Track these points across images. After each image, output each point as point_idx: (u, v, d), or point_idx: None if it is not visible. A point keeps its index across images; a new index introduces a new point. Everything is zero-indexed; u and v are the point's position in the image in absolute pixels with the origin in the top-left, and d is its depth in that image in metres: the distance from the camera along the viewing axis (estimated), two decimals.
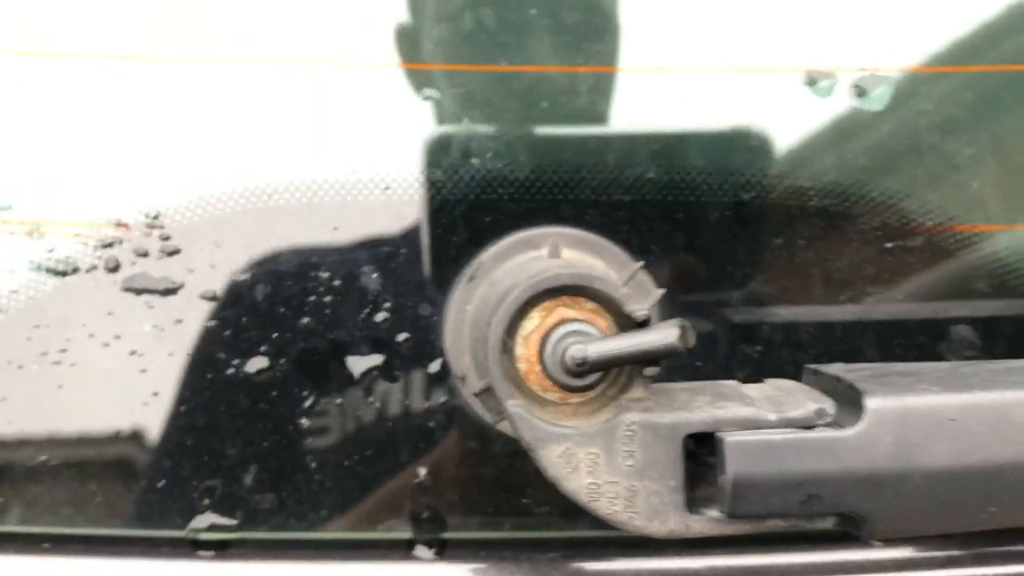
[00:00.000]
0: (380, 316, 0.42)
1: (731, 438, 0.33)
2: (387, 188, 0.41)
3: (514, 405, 0.35)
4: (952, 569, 0.45)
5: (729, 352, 0.42)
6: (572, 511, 0.42)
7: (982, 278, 0.43)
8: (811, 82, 0.43)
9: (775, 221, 0.42)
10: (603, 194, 0.41)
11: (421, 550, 0.43)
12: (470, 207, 0.41)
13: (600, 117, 0.43)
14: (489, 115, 0.41)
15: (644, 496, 0.34)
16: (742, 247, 0.42)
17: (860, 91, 0.43)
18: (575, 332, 0.34)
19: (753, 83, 0.42)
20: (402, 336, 0.42)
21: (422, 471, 0.43)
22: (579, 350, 0.33)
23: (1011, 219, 0.43)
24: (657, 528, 0.34)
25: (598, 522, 0.42)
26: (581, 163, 0.42)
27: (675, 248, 0.42)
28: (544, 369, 0.35)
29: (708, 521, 0.34)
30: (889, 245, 0.43)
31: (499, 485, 0.43)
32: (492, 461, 0.43)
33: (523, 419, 0.35)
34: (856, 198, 0.43)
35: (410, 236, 0.42)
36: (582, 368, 0.33)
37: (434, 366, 0.42)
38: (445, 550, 0.44)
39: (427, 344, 0.42)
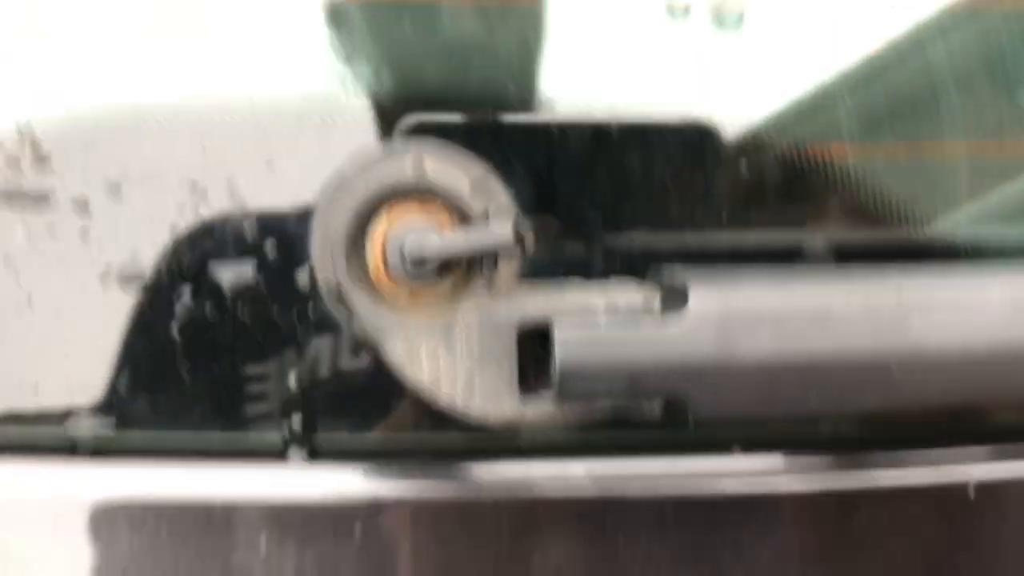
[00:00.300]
0: (248, 224, 0.43)
1: (561, 330, 0.35)
2: (256, 105, 0.42)
3: (361, 301, 0.36)
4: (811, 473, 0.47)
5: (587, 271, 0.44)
6: (437, 419, 0.44)
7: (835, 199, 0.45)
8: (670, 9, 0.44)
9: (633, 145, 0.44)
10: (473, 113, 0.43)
11: (294, 454, 0.45)
12: (340, 121, 0.43)
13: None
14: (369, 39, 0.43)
15: (481, 385, 0.36)
16: (602, 171, 0.44)
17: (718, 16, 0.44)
18: (418, 231, 0.36)
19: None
20: (270, 244, 0.43)
21: (293, 377, 0.44)
22: (417, 247, 0.35)
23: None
24: (493, 413, 0.36)
25: (462, 429, 0.44)
26: (446, 82, 0.43)
27: (540, 170, 0.44)
28: (387, 267, 0.36)
29: (542, 407, 0.36)
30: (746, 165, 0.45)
31: (367, 391, 0.45)
32: (361, 368, 0.45)
33: (369, 313, 0.36)
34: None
35: (280, 148, 0.43)
36: (420, 264, 0.35)
37: (302, 275, 0.43)
38: (317, 455, 0.45)
39: (295, 253, 0.43)
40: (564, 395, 0.35)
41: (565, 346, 0.35)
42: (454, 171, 0.39)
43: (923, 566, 0.46)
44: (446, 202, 0.37)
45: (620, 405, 0.36)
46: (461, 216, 0.37)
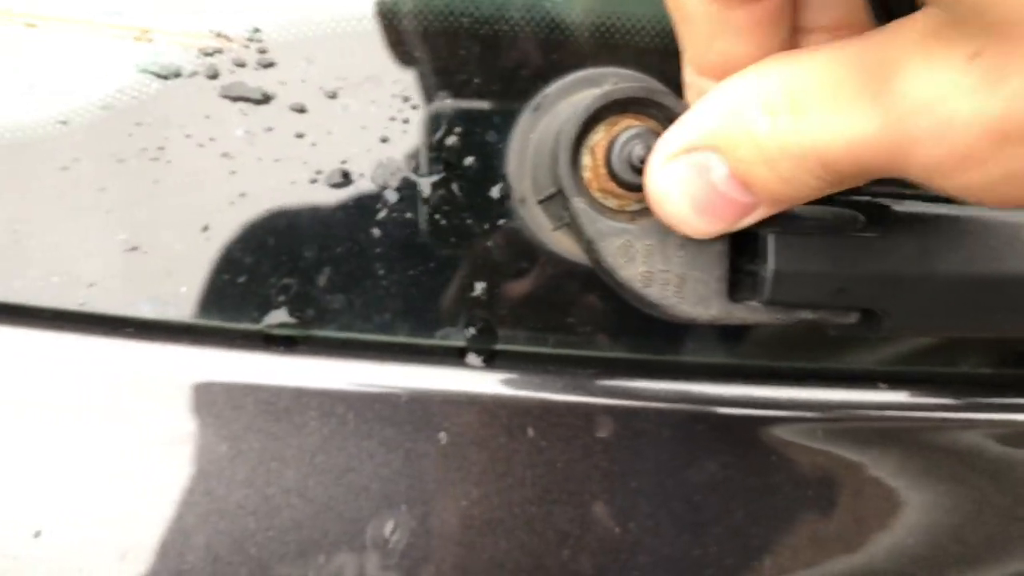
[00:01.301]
0: (450, 140, 0.46)
1: (774, 234, 0.38)
2: (458, 21, 0.45)
3: (579, 202, 0.39)
4: (946, 413, 0.50)
5: None
6: (611, 333, 0.47)
7: None
8: None
9: None
10: (661, 43, 0.46)
11: (472, 358, 0.48)
12: (538, 45, 0.46)
13: None
14: None
15: (692, 284, 0.39)
16: None
17: None
18: (640, 135, 0.38)
19: None
20: (469, 160, 0.46)
21: (478, 286, 0.47)
22: (644, 147, 0.38)
23: None
24: (702, 312, 0.39)
25: (633, 345, 0.47)
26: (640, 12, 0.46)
27: None
28: (610, 171, 0.39)
29: (746, 309, 0.39)
30: None
31: (547, 304, 0.48)
32: (542, 281, 0.48)
33: (588, 214, 0.39)
34: None
35: (481, 70, 0.46)
36: (639, 166, 0.38)
37: (495, 190, 0.46)
38: (494, 360, 0.48)
39: (490, 169, 0.46)
40: (774, 299, 0.38)
41: (779, 251, 0.38)
42: (667, 91, 0.41)
43: None
44: (658, 109, 0.40)
45: (821, 313, 0.39)
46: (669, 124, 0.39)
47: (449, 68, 0.46)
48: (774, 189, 0.34)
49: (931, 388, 0.49)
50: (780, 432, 0.48)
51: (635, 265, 0.39)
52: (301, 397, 0.46)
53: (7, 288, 0.45)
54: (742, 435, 0.48)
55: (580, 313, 0.48)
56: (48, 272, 0.45)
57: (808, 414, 0.48)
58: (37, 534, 0.44)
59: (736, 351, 0.49)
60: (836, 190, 0.34)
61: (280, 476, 0.46)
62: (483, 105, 0.46)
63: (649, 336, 0.48)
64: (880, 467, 0.49)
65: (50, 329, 0.46)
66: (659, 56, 0.47)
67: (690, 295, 0.39)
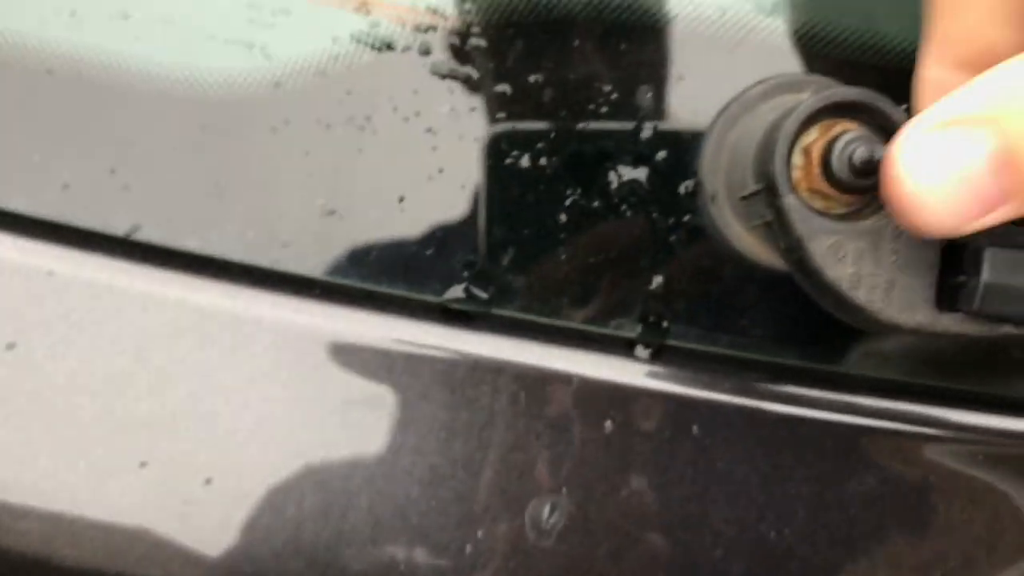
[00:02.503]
0: (646, 133, 0.47)
1: (991, 248, 0.38)
2: (681, 22, 0.47)
3: (792, 200, 0.40)
4: None
5: None
6: (783, 340, 0.48)
7: None
8: None
9: None
10: (862, 54, 0.47)
11: (640, 350, 0.49)
12: (741, 48, 0.47)
13: None
14: None
15: (900, 290, 0.40)
16: None
17: None
18: (862, 138, 0.39)
19: None
20: (662, 154, 0.47)
21: (657, 280, 0.48)
22: (868, 150, 0.39)
23: None
24: (908, 319, 0.40)
25: (803, 352, 0.48)
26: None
27: None
28: (826, 172, 0.40)
29: (952, 319, 0.40)
30: None
31: (723, 304, 0.49)
32: (722, 281, 0.48)
33: (799, 211, 0.40)
34: None
35: (684, 66, 0.47)
36: (869, 167, 0.39)
37: (686, 186, 0.47)
38: (662, 355, 0.49)
39: (683, 165, 0.47)
40: (981, 311, 0.39)
41: (993, 264, 0.38)
42: (887, 98, 0.42)
43: None
44: (873, 122, 0.40)
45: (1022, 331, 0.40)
46: (884, 131, 0.40)
47: (652, 61, 0.47)
48: None
49: None
50: (942, 454, 0.48)
51: (844, 266, 0.40)
52: (475, 372, 0.47)
53: (203, 239, 0.47)
54: (904, 452, 0.48)
55: (754, 316, 0.48)
56: (245, 228, 0.47)
57: (972, 437, 0.48)
58: (208, 481, 0.46)
59: (905, 369, 0.49)
60: None
61: (448, 447, 0.47)
62: (682, 101, 0.47)
63: (821, 346, 0.48)
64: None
65: (239, 284, 0.47)
66: (853, 69, 0.47)
67: (897, 301, 0.39)
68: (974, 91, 0.33)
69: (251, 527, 0.46)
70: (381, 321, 0.48)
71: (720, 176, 0.46)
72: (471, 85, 0.46)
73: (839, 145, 0.39)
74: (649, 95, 0.47)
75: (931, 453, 0.48)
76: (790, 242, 0.40)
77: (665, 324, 0.48)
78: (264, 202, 0.47)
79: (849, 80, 0.46)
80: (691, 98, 0.47)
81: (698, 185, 0.47)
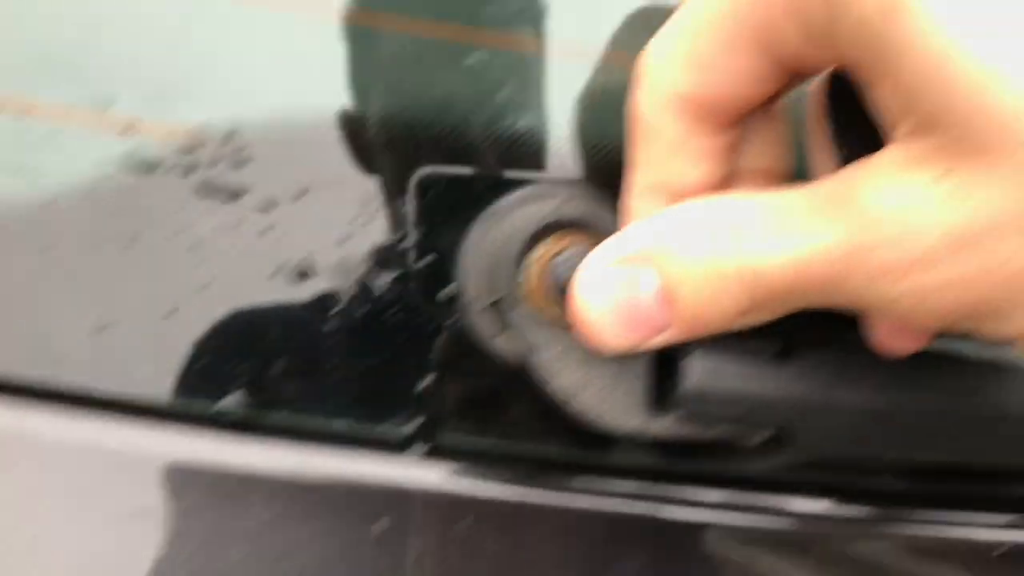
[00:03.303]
0: (409, 240, 0.49)
1: (694, 354, 0.41)
2: (445, 132, 0.49)
3: (517, 315, 0.42)
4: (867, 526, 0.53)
5: None
6: (550, 433, 0.50)
7: None
8: None
9: None
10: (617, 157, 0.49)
11: (415, 448, 0.50)
12: (498, 154, 0.49)
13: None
14: (521, 86, 0.50)
15: (616, 397, 0.42)
16: None
17: None
18: (572, 258, 0.42)
19: None
20: (425, 261, 0.49)
21: (425, 380, 0.50)
22: (572, 271, 0.41)
23: None
24: (624, 425, 0.42)
25: (570, 445, 0.50)
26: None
27: None
28: (544, 287, 0.43)
29: (665, 423, 0.42)
30: None
31: (491, 401, 0.51)
32: (488, 379, 0.50)
33: (523, 327, 0.42)
34: None
35: (445, 175, 0.50)
36: None
37: (448, 290, 0.50)
38: (436, 452, 0.51)
39: (444, 272, 0.50)
40: (689, 414, 0.41)
41: (698, 369, 0.41)
42: (599, 207, 0.45)
43: None
44: (597, 234, 0.43)
45: (733, 430, 0.42)
46: None
47: (410, 174, 0.49)
48: (696, 310, 0.36)
49: (847, 498, 0.52)
50: (703, 536, 0.50)
51: (564, 377, 0.42)
52: (248, 480, 0.49)
53: None
54: (665, 537, 0.50)
55: (522, 412, 0.50)
56: (18, 345, 0.48)
57: (735, 517, 0.51)
58: None
59: (664, 454, 0.51)
60: (754, 320, 0.36)
61: (223, 556, 0.48)
62: (442, 210, 0.49)
63: (585, 437, 0.50)
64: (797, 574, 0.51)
65: (14, 401, 0.48)
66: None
67: (615, 407, 0.42)
68: (642, 229, 0.37)
69: None
70: (155, 432, 0.49)
71: (477, 282, 0.48)
72: (234, 201, 0.48)
73: (555, 263, 0.42)
74: (408, 205, 0.49)
75: (691, 536, 0.50)
76: (522, 351, 0.42)
77: (436, 423, 0.50)
78: (37, 320, 0.48)
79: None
80: (453, 205, 0.49)
81: (459, 290, 0.49)
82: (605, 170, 0.49)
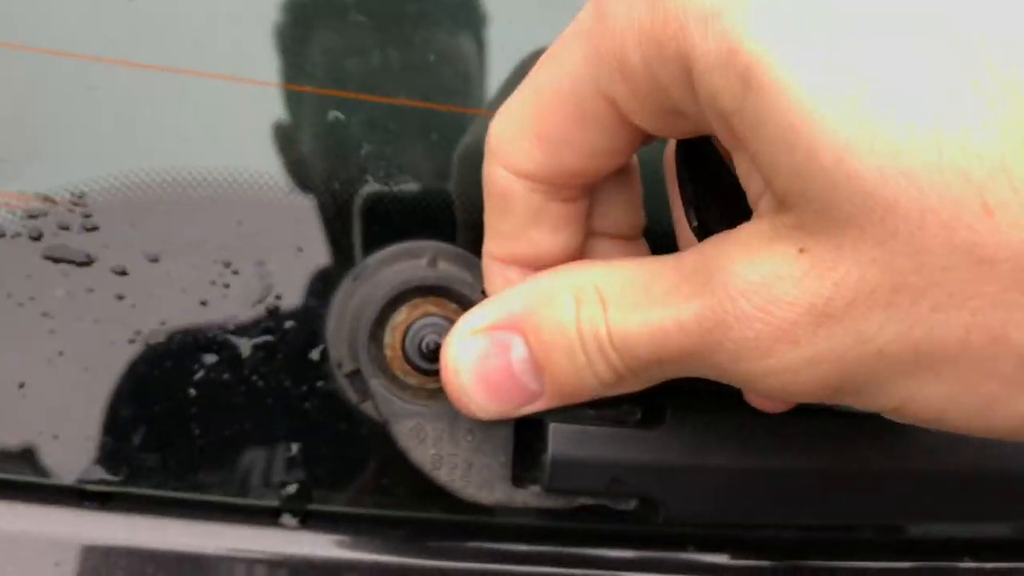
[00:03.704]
0: (272, 303, 0.47)
1: (555, 424, 0.40)
2: (291, 192, 0.47)
3: (376, 384, 0.41)
4: None
5: None
6: (425, 496, 0.49)
7: None
8: None
9: None
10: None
11: (287, 518, 0.49)
12: (362, 217, 0.48)
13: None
14: (387, 141, 0.48)
15: (478, 468, 0.41)
16: None
17: None
18: (434, 324, 0.40)
19: None
20: (289, 324, 0.48)
21: (294, 447, 0.48)
22: (433, 339, 0.40)
23: None
24: (486, 497, 0.41)
25: (446, 507, 0.48)
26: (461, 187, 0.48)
27: None
28: (404, 354, 0.41)
29: (529, 494, 0.41)
30: None
31: (363, 466, 0.49)
32: (358, 443, 0.49)
33: (383, 396, 0.41)
34: None
35: (306, 237, 0.48)
36: (435, 353, 0.40)
37: (315, 353, 0.48)
38: (308, 520, 0.49)
39: (311, 333, 0.48)
40: (552, 485, 0.40)
41: (558, 439, 0.40)
42: (466, 274, 0.44)
43: None
44: (458, 298, 0.42)
45: (599, 498, 0.41)
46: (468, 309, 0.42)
47: (273, 235, 0.47)
48: (564, 379, 0.35)
49: (745, 552, 0.51)
50: None
51: (426, 447, 0.40)
52: (112, 554, 0.46)
53: None
54: None
55: (394, 476, 0.49)
56: None
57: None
58: None
59: (547, 515, 0.50)
60: (624, 388, 0.35)
61: None
62: (306, 270, 0.47)
63: (457, 505, 0.49)
64: None
65: None
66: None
67: (476, 479, 0.40)
68: (510, 297, 0.36)
69: None
70: (13, 508, 0.47)
71: (344, 345, 0.47)
72: (86, 267, 0.46)
73: (412, 332, 0.40)
74: (270, 266, 0.47)
75: None
76: (380, 422, 0.41)
77: (309, 490, 0.48)
78: None
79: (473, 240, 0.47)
80: (318, 265, 0.48)
81: (326, 353, 0.47)
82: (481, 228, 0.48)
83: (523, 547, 0.50)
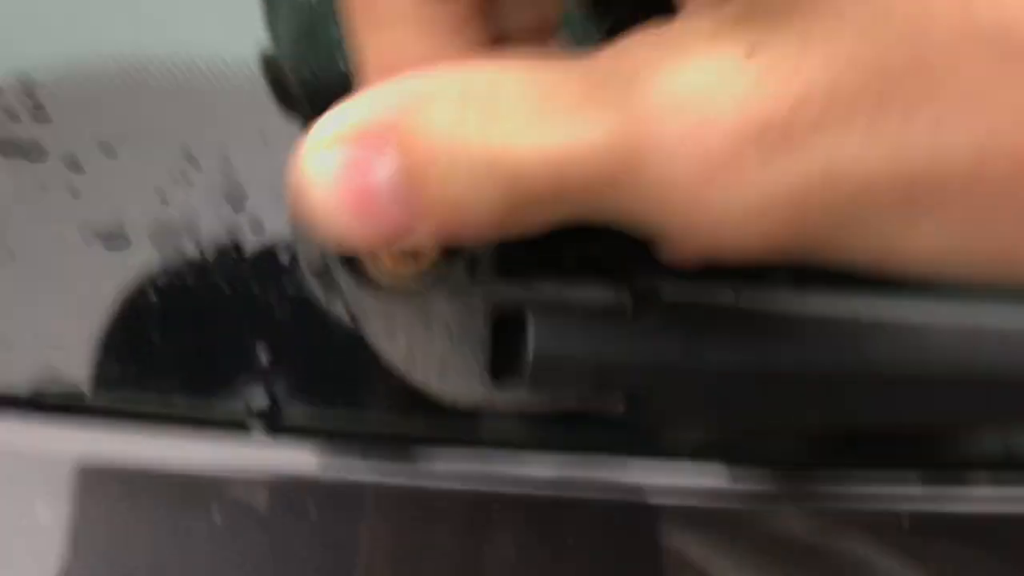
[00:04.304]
0: (236, 199, 0.44)
1: (537, 316, 0.37)
2: (256, 81, 0.44)
3: (345, 281, 0.38)
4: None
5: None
6: (400, 408, 0.46)
7: None
8: None
9: None
10: None
11: (257, 430, 0.46)
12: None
13: None
14: None
15: (455, 367, 0.38)
16: None
17: None
18: None
19: None
20: (255, 222, 0.45)
21: (263, 355, 0.45)
22: None
23: None
24: (465, 397, 0.38)
25: (422, 421, 0.46)
26: None
27: None
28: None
29: (509, 394, 0.38)
30: None
31: (336, 376, 0.46)
32: (331, 352, 0.46)
33: (353, 292, 0.38)
34: None
35: (277, 130, 0.45)
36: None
37: (283, 255, 0.45)
38: (279, 432, 0.46)
39: (278, 233, 0.45)
40: (534, 383, 0.37)
41: (539, 333, 0.37)
42: None
43: None
44: None
45: (585, 398, 0.38)
46: None
47: (237, 124, 0.44)
48: (443, 203, 0.28)
49: (744, 470, 0.48)
50: (576, 512, 0.47)
51: (398, 346, 0.38)
52: (74, 467, 0.44)
53: None
54: (538, 515, 0.46)
55: (368, 387, 0.46)
56: None
57: (610, 496, 0.47)
58: None
59: (533, 425, 0.47)
60: (519, 226, 0.28)
61: (41, 554, 0.43)
62: (273, 165, 0.44)
63: (438, 412, 0.46)
64: (688, 551, 0.48)
65: None
66: None
67: (453, 378, 0.38)
68: (376, 98, 0.28)
69: None
70: None
71: (311, 244, 0.44)
72: (37, 161, 0.43)
73: None
74: (242, 158, 0.44)
75: (566, 512, 0.47)
76: (350, 319, 0.38)
77: (278, 400, 0.45)
78: None
79: None
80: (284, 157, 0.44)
81: (295, 253, 0.44)
82: None
83: (505, 462, 0.47)
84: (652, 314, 0.36)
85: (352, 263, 0.38)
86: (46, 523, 0.43)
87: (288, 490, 0.45)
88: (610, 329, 0.36)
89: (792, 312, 0.38)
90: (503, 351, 0.38)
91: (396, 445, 0.46)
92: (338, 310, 0.43)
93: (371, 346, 0.38)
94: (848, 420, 0.39)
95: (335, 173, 0.28)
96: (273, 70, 0.44)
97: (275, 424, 0.46)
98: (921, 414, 0.39)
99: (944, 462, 0.48)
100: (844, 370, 0.37)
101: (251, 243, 0.44)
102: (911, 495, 0.48)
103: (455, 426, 0.47)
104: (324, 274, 0.40)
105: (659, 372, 0.37)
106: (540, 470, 0.47)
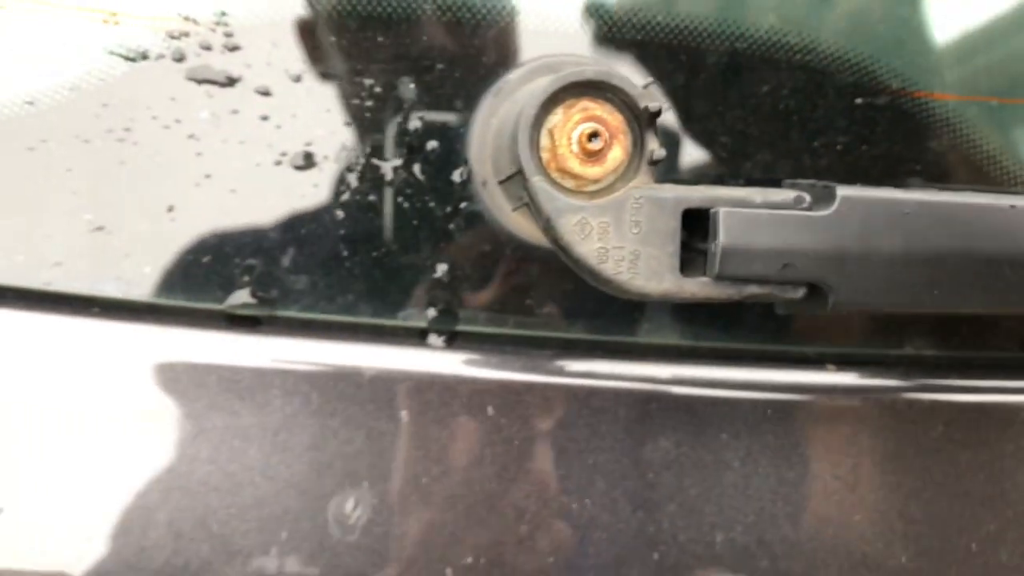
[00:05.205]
0: (413, 124, 0.47)
1: (724, 210, 0.39)
2: (440, 11, 0.47)
3: (538, 181, 0.41)
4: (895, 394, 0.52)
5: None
6: (569, 314, 0.49)
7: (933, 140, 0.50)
8: None
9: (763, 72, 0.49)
10: (618, 35, 0.47)
11: (433, 339, 0.49)
12: (500, 32, 0.47)
13: None
14: None
15: (645, 260, 0.40)
16: (733, 94, 0.49)
17: None
18: (595, 118, 0.40)
19: None
20: (431, 144, 0.47)
21: (440, 268, 0.48)
22: (593, 124, 0.40)
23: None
24: (654, 287, 0.41)
25: (590, 326, 0.49)
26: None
27: (675, 88, 0.48)
28: (564, 155, 0.41)
29: (697, 283, 0.41)
30: (859, 101, 0.49)
31: (508, 285, 0.49)
32: (503, 263, 0.49)
33: (546, 192, 0.41)
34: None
35: (446, 55, 0.47)
36: (595, 146, 0.39)
37: (458, 174, 0.48)
38: (455, 341, 0.49)
39: (453, 153, 0.48)
40: (723, 274, 0.40)
41: (728, 227, 0.39)
42: (623, 75, 0.43)
43: (987, 478, 0.51)
44: (615, 98, 0.41)
45: (766, 288, 0.41)
46: (624, 107, 0.41)
47: (413, 53, 0.47)
48: None
49: (878, 370, 0.51)
50: (732, 411, 0.50)
51: (591, 242, 0.40)
52: (264, 376, 0.47)
53: None
54: (696, 414, 0.49)
55: (539, 295, 0.49)
56: (13, 251, 0.46)
57: (759, 395, 0.50)
58: None
59: (690, 332, 0.50)
60: None
61: (243, 454, 0.46)
62: (446, 90, 0.47)
63: (606, 317, 0.49)
64: (828, 446, 0.51)
65: (14, 308, 0.46)
66: (624, 45, 0.48)
67: (643, 270, 0.40)
68: None
69: (46, 551, 0.45)
70: (164, 333, 0.47)
71: (488, 161, 0.46)
72: (229, 88, 0.46)
73: (571, 123, 0.40)
74: (411, 86, 0.47)
75: (722, 412, 0.50)
76: (542, 222, 0.41)
77: (454, 310, 0.48)
78: (30, 224, 0.46)
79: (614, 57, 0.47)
80: (457, 84, 0.47)
81: (469, 172, 0.47)
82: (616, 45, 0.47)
83: (664, 367, 0.50)
84: (830, 205, 0.39)
85: (543, 173, 0.40)
86: (248, 424, 0.46)
87: (464, 395, 0.48)
88: (793, 220, 0.39)
89: (957, 202, 0.40)
90: (692, 246, 0.41)
91: (564, 348, 0.49)
92: (519, 220, 0.46)
93: (563, 246, 0.41)
94: (1010, 305, 0.42)
95: None
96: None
97: (450, 333, 0.49)
98: None
99: None
100: (1006, 255, 0.40)
101: (428, 165, 0.47)
102: None
103: (620, 329, 0.50)
104: (511, 184, 0.43)
105: (837, 259, 0.39)
106: (693, 373, 0.50)
